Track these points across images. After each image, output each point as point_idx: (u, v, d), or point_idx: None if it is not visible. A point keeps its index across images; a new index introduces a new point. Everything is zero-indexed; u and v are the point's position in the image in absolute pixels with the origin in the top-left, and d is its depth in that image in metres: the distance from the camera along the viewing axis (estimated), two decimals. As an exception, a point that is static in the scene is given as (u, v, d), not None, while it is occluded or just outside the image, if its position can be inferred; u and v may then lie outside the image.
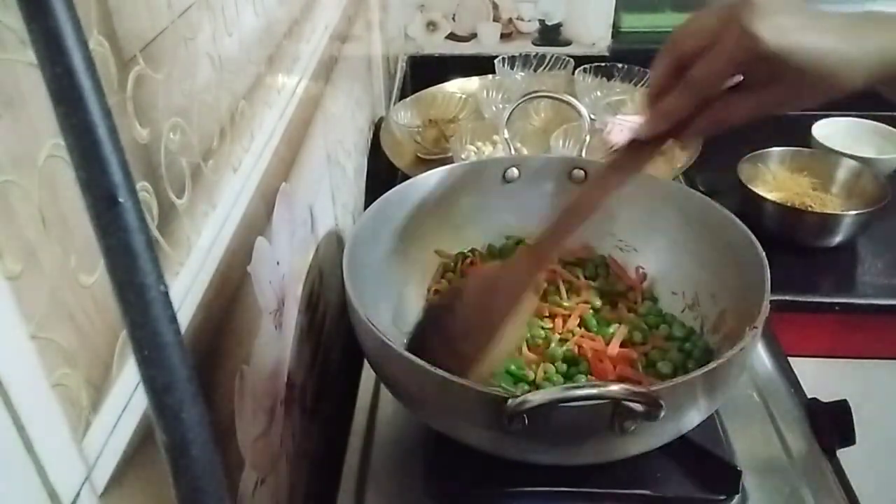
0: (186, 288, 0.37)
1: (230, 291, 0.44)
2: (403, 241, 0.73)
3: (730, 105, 0.47)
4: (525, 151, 0.98)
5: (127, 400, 0.31)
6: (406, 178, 0.76)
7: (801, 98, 0.46)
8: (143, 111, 0.33)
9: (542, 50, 1.35)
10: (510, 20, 1.42)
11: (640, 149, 0.53)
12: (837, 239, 0.99)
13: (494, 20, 1.42)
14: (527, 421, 0.47)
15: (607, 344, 0.66)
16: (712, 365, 0.49)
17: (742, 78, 0.47)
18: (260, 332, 0.50)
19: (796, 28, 0.43)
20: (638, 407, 0.47)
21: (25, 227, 0.24)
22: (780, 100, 0.46)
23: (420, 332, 0.63)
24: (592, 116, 0.94)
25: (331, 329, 0.74)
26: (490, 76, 1.25)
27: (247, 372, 0.46)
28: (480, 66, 1.27)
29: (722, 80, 0.47)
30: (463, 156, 0.98)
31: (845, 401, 0.66)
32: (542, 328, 0.68)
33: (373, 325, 0.55)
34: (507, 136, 0.84)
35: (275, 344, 0.54)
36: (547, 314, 0.70)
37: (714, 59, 0.45)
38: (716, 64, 0.46)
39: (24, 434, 0.24)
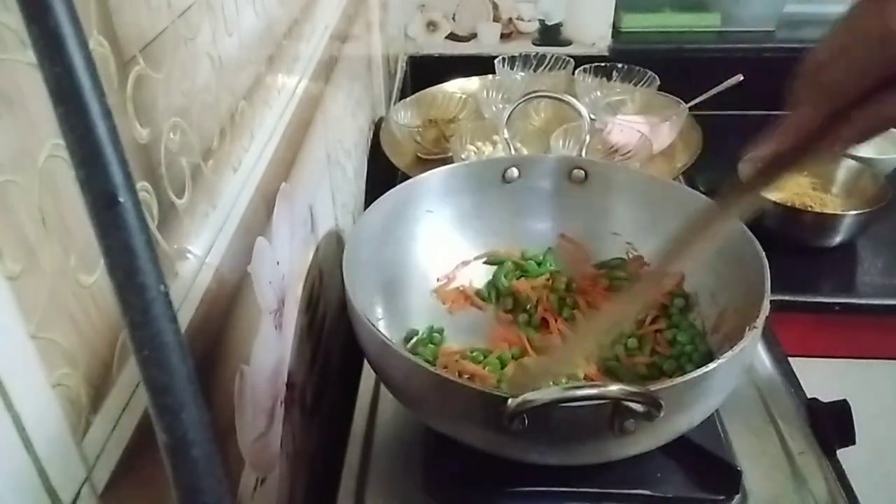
0: (186, 288, 0.37)
1: (230, 291, 0.44)
2: (403, 242, 0.73)
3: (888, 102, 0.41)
4: (525, 151, 0.98)
5: (127, 400, 0.31)
6: (406, 178, 0.76)
7: None
8: (143, 111, 0.33)
9: (542, 50, 1.35)
10: (510, 20, 1.42)
11: (770, 167, 0.48)
12: (837, 239, 0.99)
13: (494, 20, 1.42)
14: (527, 421, 0.47)
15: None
16: (712, 365, 0.49)
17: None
18: (260, 332, 0.50)
19: None
20: (638, 407, 0.47)
21: (25, 227, 0.24)
22: None
23: None
24: (592, 116, 0.94)
25: (331, 329, 0.74)
26: (490, 76, 1.25)
27: (247, 372, 0.46)
28: (480, 66, 1.27)
29: (860, 83, 0.41)
30: (463, 156, 0.98)
31: (845, 401, 0.66)
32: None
33: (373, 325, 0.55)
34: (507, 136, 0.84)
35: (275, 344, 0.54)
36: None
37: (851, 61, 0.41)
38: (853, 64, 0.41)
39: (24, 434, 0.24)
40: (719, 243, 0.66)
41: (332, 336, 0.74)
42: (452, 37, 1.44)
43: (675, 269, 0.56)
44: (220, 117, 0.43)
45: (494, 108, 1.14)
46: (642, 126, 1.03)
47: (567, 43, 1.43)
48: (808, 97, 0.44)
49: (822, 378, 0.75)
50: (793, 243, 0.99)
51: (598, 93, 1.18)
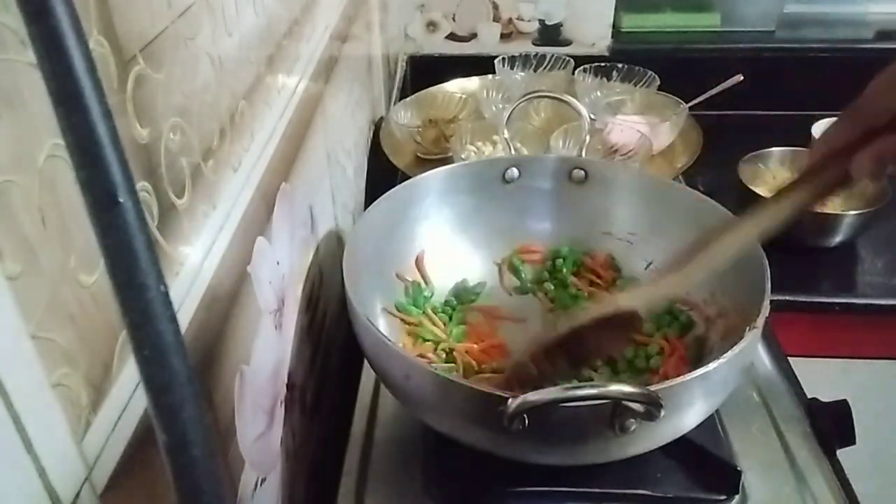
0: (186, 288, 0.37)
1: (230, 291, 0.44)
2: (403, 242, 0.73)
3: None
4: (525, 151, 0.98)
5: (127, 400, 0.31)
6: (406, 178, 0.76)
7: None
8: (143, 111, 0.33)
9: (542, 50, 1.35)
10: (510, 20, 1.42)
11: (801, 186, 0.50)
12: (837, 239, 0.99)
13: (494, 20, 1.42)
14: (527, 421, 0.47)
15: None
16: (712, 365, 0.49)
17: None
18: (260, 332, 0.50)
19: None
20: (638, 407, 0.47)
21: (25, 227, 0.24)
22: None
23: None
24: (592, 116, 0.94)
25: (331, 329, 0.74)
26: (490, 76, 1.25)
27: (247, 372, 0.46)
28: (480, 66, 1.27)
29: (891, 109, 0.44)
30: (463, 156, 0.98)
31: (845, 401, 0.66)
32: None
33: (373, 325, 0.55)
34: (507, 136, 0.84)
35: (275, 344, 0.54)
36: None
37: (882, 85, 0.43)
38: (885, 90, 0.43)
39: (24, 434, 0.24)
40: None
41: (332, 336, 0.74)
42: (452, 37, 1.44)
43: (688, 282, 0.56)
44: (220, 117, 0.43)
45: (494, 108, 1.14)
46: (642, 126, 1.03)
47: (567, 43, 1.43)
48: (849, 117, 0.46)
49: (822, 378, 0.75)
50: (793, 243, 0.99)
51: (598, 93, 1.18)
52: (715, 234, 0.52)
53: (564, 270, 0.76)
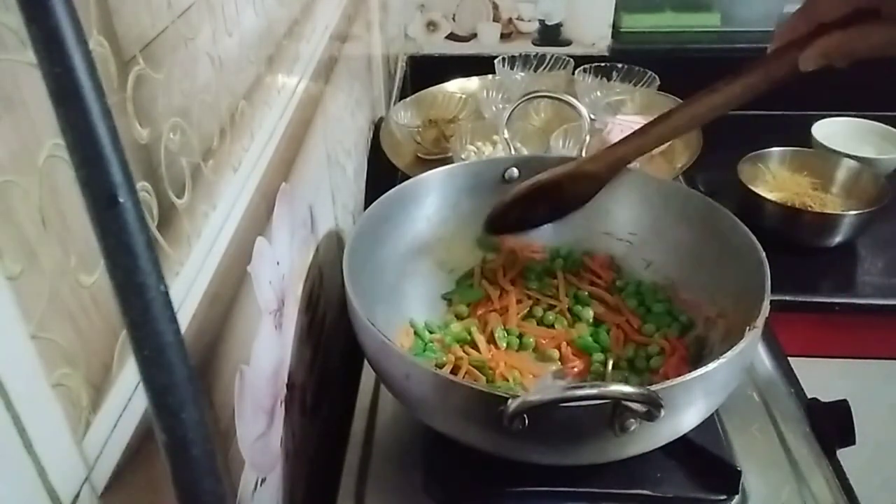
0: (186, 288, 0.37)
1: (230, 291, 0.44)
2: (403, 242, 0.73)
3: (860, 34, 0.48)
4: (525, 151, 0.98)
5: (127, 400, 0.31)
6: (406, 178, 0.76)
7: None
8: (143, 111, 0.33)
9: (542, 50, 1.35)
10: (510, 20, 1.42)
11: (757, 68, 0.55)
12: (837, 239, 0.99)
13: (494, 20, 1.42)
14: (527, 421, 0.47)
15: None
16: (712, 365, 0.49)
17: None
18: (260, 332, 0.50)
19: None
20: (638, 407, 0.47)
21: (25, 227, 0.24)
22: None
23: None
24: (592, 116, 0.94)
25: (331, 329, 0.74)
26: (490, 76, 1.25)
27: (247, 372, 0.46)
28: (480, 66, 1.27)
29: (843, 4, 0.48)
30: (463, 156, 0.98)
31: (845, 401, 0.66)
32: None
33: (373, 325, 0.55)
34: (507, 136, 0.84)
35: (275, 344, 0.54)
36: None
37: None
38: None
39: (24, 434, 0.24)
40: (719, 243, 0.66)
41: (332, 336, 0.74)
42: (452, 37, 1.44)
43: (643, 149, 0.63)
44: (220, 117, 0.43)
45: (494, 108, 1.14)
46: (642, 126, 1.02)
47: (567, 43, 1.43)
48: (802, 11, 0.52)
49: (822, 378, 0.75)
50: (793, 243, 0.99)
51: (598, 93, 1.18)
52: (671, 111, 0.58)
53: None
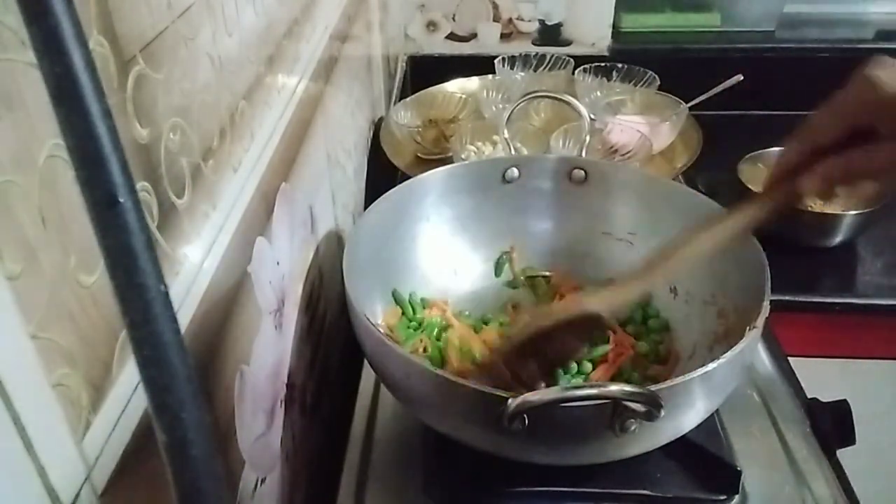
0: (186, 288, 0.37)
1: (230, 291, 0.44)
2: (403, 242, 0.73)
3: (860, 156, 0.47)
4: (525, 151, 0.98)
5: (127, 400, 0.31)
6: (406, 178, 0.76)
7: None
8: (143, 111, 0.33)
9: (542, 50, 1.35)
10: (510, 20, 1.42)
11: (760, 199, 0.53)
12: (837, 239, 0.99)
13: (494, 20, 1.42)
14: (527, 421, 0.47)
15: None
16: (712, 365, 0.49)
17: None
18: (260, 332, 0.50)
19: None
20: (638, 407, 0.47)
21: (25, 227, 0.24)
22: None
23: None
24: (592, 116, 0.94)
25: (331, 329, 0.74)
26: (490, 76, 1.25)
27: (247, 372, 0.46)
28: (480, 66, 1.27)
29: (838, 127, 0.47)
30: (463, 156, 0.98)
31: (845, 401, 0.66)
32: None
33: (373, 325, 0.55)
34: (507, 136, 0.84)
35: (275, 344, 0.54)
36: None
37: (833, 104, 0.46)
38: (832, 110, 0.47)
39: (24, 434, 0.24)
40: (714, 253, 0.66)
41: (332, 336, 0.74)
42: (452, 37, 1.44)
43: (646, 287, 0.58)
44: (220, 117, 0.43)
45: (494, 108, 1.14)
46: (642, 126, 1.03)
47: (567, 43, 1.43)
48: (799, 137, 0.50)
49: (822, 378, 0.75)
50: (793, 243, 0.99)
51: (598, 93, 1.18)
52: (672, 244, 0.55)
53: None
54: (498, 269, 0.78)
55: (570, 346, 0.59)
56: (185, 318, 0.37)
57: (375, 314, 0.69)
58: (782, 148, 0.51)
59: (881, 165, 0.47)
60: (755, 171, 1.08)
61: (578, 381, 0.64)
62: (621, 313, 0.66)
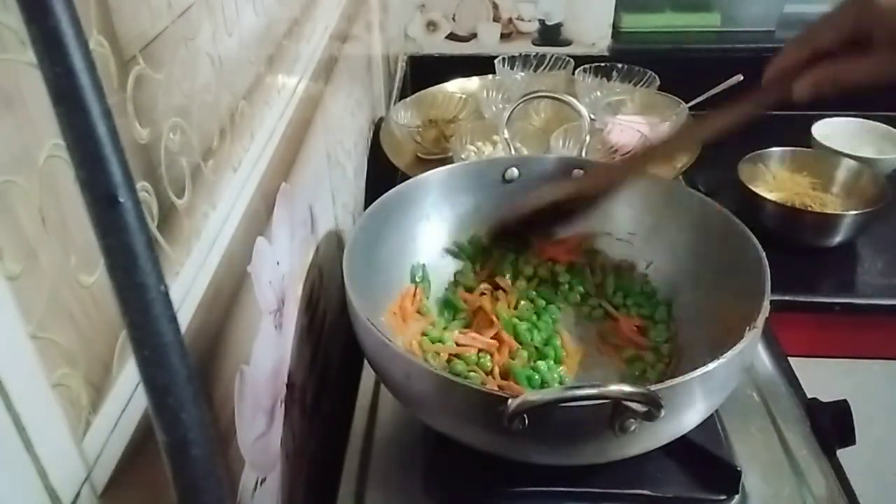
0: (186, 288, 0.37)
1: (230, 291, 0.44)
2: (403, 242, 0.73)
3: (850, 64, 0.50)
4: (525, 151, 0.98)
5: (127, 400, 0.31)
6: (406, 178, 0.76)
7: None
8: (143, 111, 0.33)
9: (542, 50, 1.35)
10: (510, 20, 1.42)
11: (751, 97, 0.57)
12: (837, 239, 0.99)
13: (494, 20, 1.42)
14: (527, 421, 0.47)
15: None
16: (712, 365, 0.49)
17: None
18: (260, 332, 0.50)
19: None
20: (638, 407, 0.47)
21: (25, 227, 0.24)
22: None
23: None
24: (592, 116, 0.94)
25: (331, 329, 0.74)
26: (490, 76, 1.25)
27: (247, 372, 0.46)
28: (480, 66, 1.27)
29: (835, 34, 0.50)
30: (463, 156, 0.98)
31: (845, 401, 0.66)
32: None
33: (373, 324, 0.55)
34: (507, 136, 0.84)
35: (275, 344, 0.54)
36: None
37: (830, 15, 0.49)
38: (831, 19, 0.49)
39: (24, 434, 0.24)
40: (719, 243, 0.66)
41: (332, 336, 0.74)
42: (452, 37, 1.44)
43: (635, 172, 0.65)
44: (220, 117, 0.43)
45: (494, 108, 1.14)
46: (642, 126, 1.03)
47: (567, 43, 1.43)
48: (797, 41, 0.53)
49: (822, 378, 0.75)
50: (793, 243, 0.99)
51: (598, 93, 1.18)
52: (669, 135, 0.62)
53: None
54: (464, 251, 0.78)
55: (573, 213, 0.72)
56: (185, 318, 0.37)
57: (375, 314, 0.69)
58: (783, 46, 0.54)
59: (868, 73, 0.50)
60: (755, 171, 1.08)
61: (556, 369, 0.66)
62: (615, 188, 0.71)
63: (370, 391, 0.70)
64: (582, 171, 0.76)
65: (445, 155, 1.05)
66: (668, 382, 0.48)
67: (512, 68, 1.27)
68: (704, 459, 0.59)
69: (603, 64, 1.24)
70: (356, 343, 0.60)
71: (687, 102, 1.11)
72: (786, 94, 0.54)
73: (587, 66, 1.23)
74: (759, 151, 1.09)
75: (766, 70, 0.55)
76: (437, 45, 1.44)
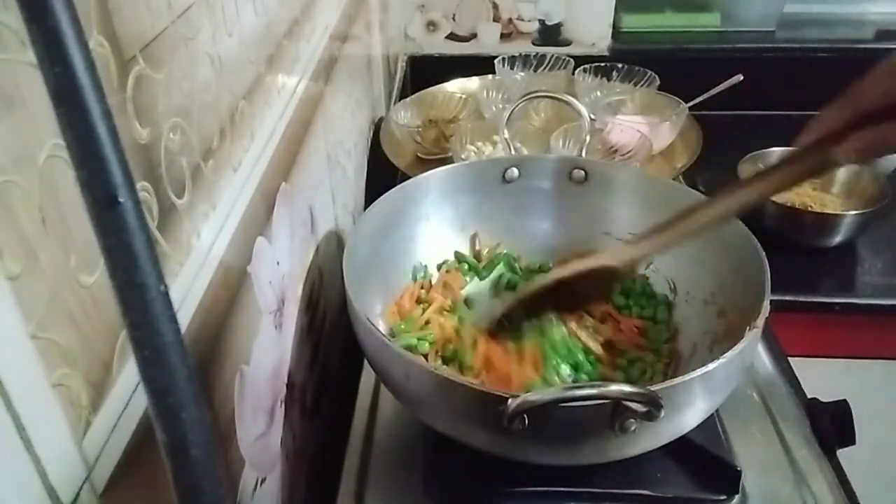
0: (186, 288, 0.37)
1: (230, 291, 0.44)
2: (403, 241, 0.73)
3: None
4: (525, 151, 0.98)
5: (127, 400, 0.31)
6: (406, 178, 0.76)
7: None
8: (143, 111, 0.33)
9: (542, 50, 1.35)
10: (510, 20, 1.42)
11: (791, 164, 0.53)
12: (837, 239, 0.99)
13: (494, 20, 1.42)
14: (527, 421, 0.47)
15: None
16: (712, 365, 0.49)
17: None
18: (260, 332, 0.50)
19: None
20: (638, 407, 0.47)
21: (25, 227, 0.24)
22: None
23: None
24: (592, 116, 0.94)
25: (331, 329, 0.74)
26: (490, 76, 1.25)
27: (247, 372, 0.46)
28: (480, 66, 1.27)
29: (880, 96, 0.46)
30: (463, 156, 0.98)
31: (845, 401, 0.66)
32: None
33: (373, 324, 0.55)
34: (507, 136, 0.84)
35: (275, 344, 0.54)
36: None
37: (874, 76, 0.46)
38: (875, 80, 0.46)
39: (24, 434, 0.24)
40: (719, 243, 0.66)
41: (332, 336, 0.74)
42: (452, 37, 1.44)
43: (667, 245, 0.60)
44: (220, 117, 0.43)
45: (494, 108, 1.14)
46: (642, 126, 1.03)
47: (567, 43, 1.43)
48: (840, 103, 0.48)
49: (822, 378, 0.75)
50: (793, 243, 0.99)
51: (598, 93, 1.18)
52: (698, 204, 0.56)
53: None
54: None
55: (585, 295, 0.65)
56: (185, 318, 0.37)
57: (375, 314, 0.69)
58: (819, 113, 0.50)
59: None
60: (755, 171, 1.08)
61: (584, 375, 0.65)
62: (636, 267, 0.67)
63: (370, 391, 0.70)
64: (583, 172, 0.76)
65: (445, 155, 1.06)
66: (668, 382, 0.48)
67: (512, 68, 1.27)
68: (704, 459, 0.59)
69: (603, 64, 1.24)
70: (356, 343, 0.60)
71: (687, 102, 1.11)
72: (829, 162, 0.50)
73: (587, 66, 1.23)
74: (759, 151, 1.09)
75: (805, 132, 0.51)
76: (437, 45, 1.44)
